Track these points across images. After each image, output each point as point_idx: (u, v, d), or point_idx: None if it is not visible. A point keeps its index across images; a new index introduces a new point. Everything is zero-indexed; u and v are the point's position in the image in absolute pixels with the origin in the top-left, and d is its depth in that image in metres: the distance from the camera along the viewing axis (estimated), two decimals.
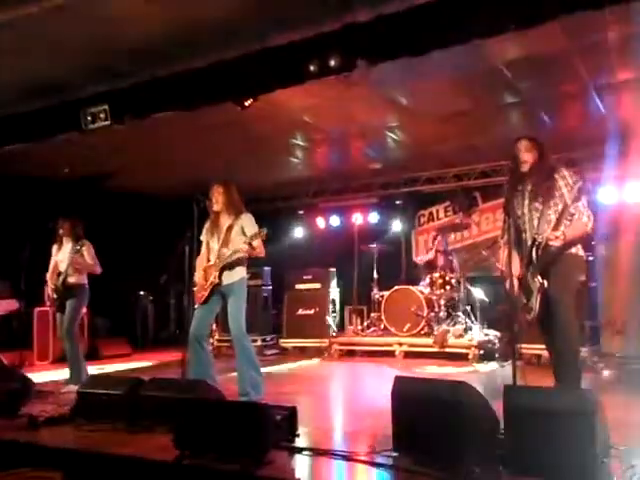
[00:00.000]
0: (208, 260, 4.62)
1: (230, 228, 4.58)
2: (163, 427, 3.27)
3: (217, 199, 4.61)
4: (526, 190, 3.74)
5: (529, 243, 3.66)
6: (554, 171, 3.66)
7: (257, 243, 4.48)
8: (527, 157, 3.71)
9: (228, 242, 4.54)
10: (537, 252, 3.58)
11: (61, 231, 5.68)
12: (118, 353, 8.34)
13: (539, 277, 3.54)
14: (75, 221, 5.73)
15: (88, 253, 5.60)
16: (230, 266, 4.52)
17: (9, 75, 5.02)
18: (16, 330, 7.30)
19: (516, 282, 3.63)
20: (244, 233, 4.51)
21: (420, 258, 8.61)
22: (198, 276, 4.62)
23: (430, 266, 7.95)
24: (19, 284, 5.88)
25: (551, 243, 3.52)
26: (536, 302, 3.54)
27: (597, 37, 4.49)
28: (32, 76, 5.01)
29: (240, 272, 4.57)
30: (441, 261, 7.77)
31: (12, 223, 7.52)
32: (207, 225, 4.74)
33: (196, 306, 4.59)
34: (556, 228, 3.52)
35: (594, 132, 6.74)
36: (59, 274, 5.57)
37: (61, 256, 5.66)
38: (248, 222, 4.58)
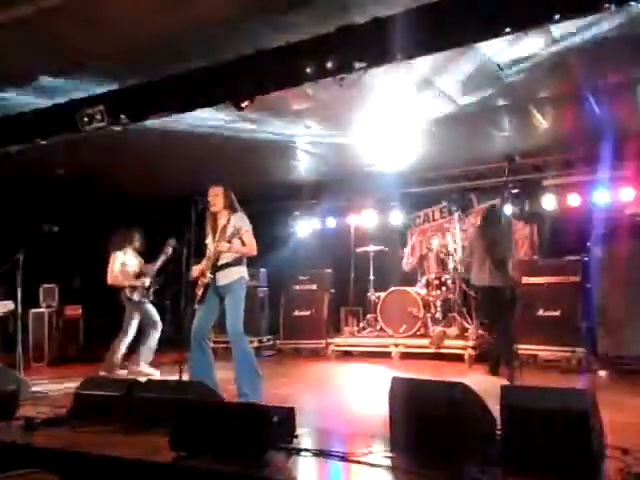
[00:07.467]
0: (209, 260, 4.64)
1: (224, 228, 4.59)
2: (160, 428, 3.25)
3: (215, 201, 4.63)
4: None
5: None
6: None
7: (248, 240, 4.49)
8: None
9: (221, 242, 4.55)
10: None
11: (136, 244, 6.07)
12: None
13: None
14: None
15: None
16: (225, 266, 4.52)
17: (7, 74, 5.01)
18: (11, 331, 7.25)
19: None
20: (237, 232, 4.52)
21: (406, 261, 8.56)
22: (194, 275, 4.63)
23: (423, 268, 7.96)
24: (14, 285, 5.85)
25: None
26: None
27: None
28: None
29: (237, 272, 4.56)
30: (434, 263, 7.77)
31: (7, 224, 7.48)
32: (207, 227, 4.76)
33: (195, 306, 4.60)
34: None
35: (589, 133, 6.76)
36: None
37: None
38: (239, 221, 4.58)
